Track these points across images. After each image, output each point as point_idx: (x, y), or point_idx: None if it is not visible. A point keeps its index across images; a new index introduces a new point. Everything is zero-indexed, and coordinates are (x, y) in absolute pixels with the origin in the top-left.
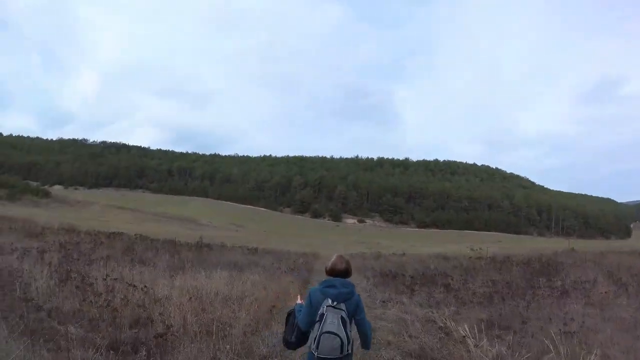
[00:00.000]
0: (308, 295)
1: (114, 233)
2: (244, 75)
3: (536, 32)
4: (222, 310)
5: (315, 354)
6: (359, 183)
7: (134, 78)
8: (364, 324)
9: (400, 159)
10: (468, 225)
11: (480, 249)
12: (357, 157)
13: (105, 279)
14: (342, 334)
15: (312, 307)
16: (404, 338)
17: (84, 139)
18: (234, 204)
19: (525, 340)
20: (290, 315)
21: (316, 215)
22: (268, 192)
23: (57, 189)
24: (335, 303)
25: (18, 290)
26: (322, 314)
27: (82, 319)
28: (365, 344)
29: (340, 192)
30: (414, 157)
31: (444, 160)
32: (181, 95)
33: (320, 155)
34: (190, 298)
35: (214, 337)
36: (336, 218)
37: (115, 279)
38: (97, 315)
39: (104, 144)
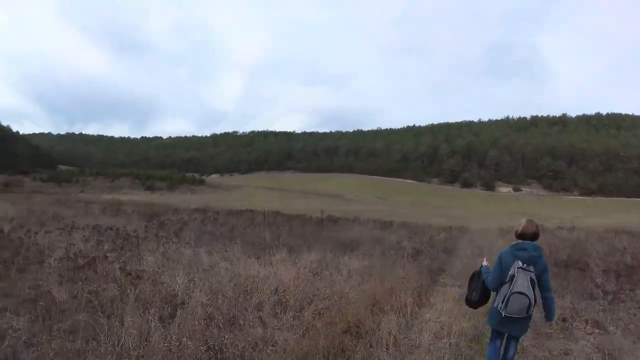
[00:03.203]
0: (498, 257)
1: (243, 211)
2: (383, 49)
3: None
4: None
5: (503, 313)
6: (512, 146)
7: (277, 70)
8: (548, 285)
9: (557, 115)
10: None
11: None
12: (507, 117)
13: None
14: (531, 295)
15: (503, 268)
16: None
17: (235, 131)
18: (380, 177)
19: None
20: (475, 276)
21: (466, 184)
22: (414, 164)
23: (213, 178)
24: (525, 265)
25: None
26: (513, 275)
27: None
28: (550, 313)
29: (491, 157)
30: (572, 113)
31: (608, 114)
32: (323, 79)
33: (467, 120)
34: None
35: None
36: (488, 187)
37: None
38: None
39: (252, 133)
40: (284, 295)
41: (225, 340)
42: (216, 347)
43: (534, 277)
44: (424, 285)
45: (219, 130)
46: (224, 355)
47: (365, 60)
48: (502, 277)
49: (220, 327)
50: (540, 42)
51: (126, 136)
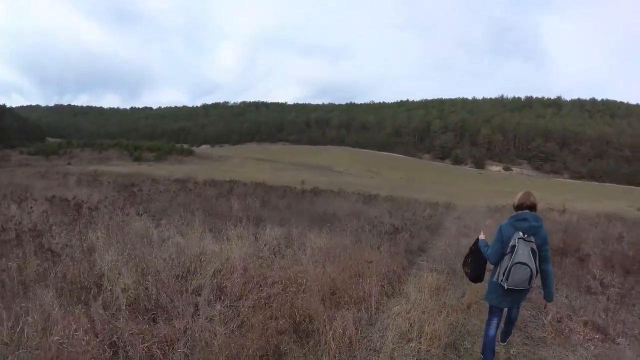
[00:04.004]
0: (499, 229)
1: (226, 181)
2: (382, 23)
3: None
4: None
5: (505, 285)
6: (505, 126)
7: (271, 42)
8: (547, 255)
9: (552, 97)
10: (630, 178)
11: None
12: (502, 97)
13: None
14: (532, 265)
15: (503, 240)
16: None
17: (226, 102)
18: (371, 151)
19: None
20: (472, 251)
21: (457, 161)
22: (406, 138)
23: (203, 148)
24: (526, 235)
25: None
26: (513, 246)
27: None
28: (549, 293)
29: (484, 136)
30: (568, 97)
31: (603, 100)
32: (318, 51)
33: (461, 97)
34: None
35: None
36: (479, 165)
37: None
38: None
39: (244, 103)
40: (225, 278)
41: (131, 335)
42: (119, 344)
43: (535, 248)
44: (398, 270)
45: (212, 101)
46: (128, 353)
47: (363, 33)
48: (503, 249)
49: (138, 317)
50: (541, 24)
51: (116, 107)
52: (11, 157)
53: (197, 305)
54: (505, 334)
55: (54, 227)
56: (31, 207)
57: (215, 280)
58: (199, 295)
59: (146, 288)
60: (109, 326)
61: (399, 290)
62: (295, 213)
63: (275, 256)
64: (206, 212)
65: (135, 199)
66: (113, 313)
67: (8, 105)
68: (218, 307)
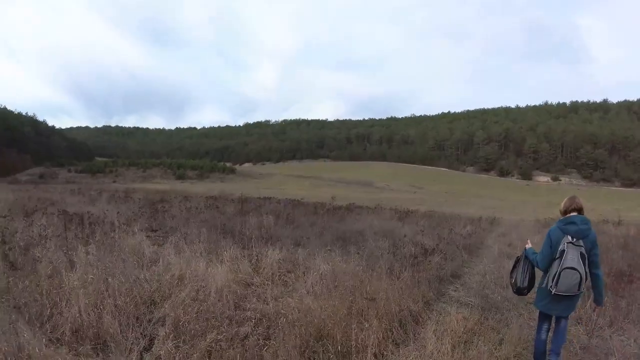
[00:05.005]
0: (547, 234)
1: (260, 198)
2: (415, 32)
3: None
4: None
5: (553, 291)
6: (551, 134)
7: (310, 59)
8: (597, 260)
9: (598, 101)
10: None
11: None
12: (546, 103)
13: None
14: (582, 270)
15: (552, 245)
16: None
17: (267, 120)
18: (413, 165)
19: None
20: (519, 261)
21: (503, 173)
22: (449, 151)
23: (245, 167)
24: (574, 239)
25: None
26: (563, 251)
27: None
28: (599, 295)
29: (529, 145)
30: (614, 98)
31: None
32: (357, 66)
33: (503, 106)
34: None
35: None
36: (526, 176)
37: None
38: None
39: (285, 121)
40: (190, 309)
41: None
42: None
43: (584, 252)
44: (416, 306)
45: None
46: None
47: (398, 44)
48: (553, 254)
49: (80, 346)
50: (581, 24)
51: (161, 127)
52: (59, 174)
53: (152, 340)
54: (554, 353)
55: (46, 241)
56: (32, 221)
57: (179, 310)
58: (163, 325)
59: (99, 314)
60: (41, 354)
61: (414, 334)
62: (318, 231)
63: (273, 283)
64: (218, 230)
65: (156, 215)
66: (57, 337)
67: (59, 127)
68: (168, 344)
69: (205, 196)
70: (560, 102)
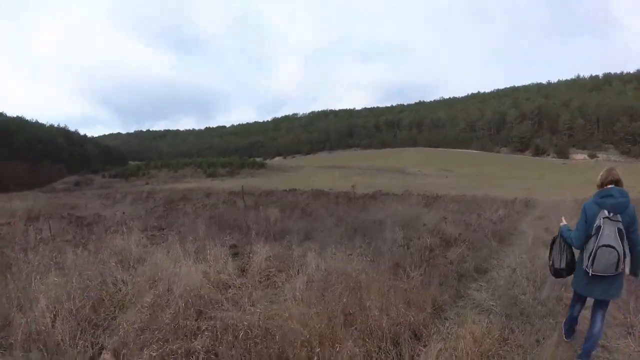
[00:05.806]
0: (582, 209)
1: (284, 191)
2: (438, 16)
3: None
4: None
5: (590, 271)
6: (585, 108)
7: (333, 51)
8: (637, 238)
9: (632, 71)
10: None
11: None
12: (578, 76)
13: None
14: (620, 247)
15: (587, 220)
16: None
17: (295, 114)
18: (445, 149)
19: None
20: (555, 241)
21: (538, 152)
22: (481, 132)
23: (275, 161)
24: (611, 214)
25: None
26: (599, 227)
27: None
28: (637, 268)
29: (564, 122)
30: None
31: None
32: (381, 53)
33: (535, 82)
34: None
35: None
36: (562, 154)
37: None
38: None
39: (312, 113)
40: (142, 319)
41: None
42: None
43: (622, 228)
44: (420, 316)
45: (281, 114)
46: None
47: (421, 29)
48: (588, 230)
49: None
50: None
51: (191, 128)
52: (94, 180)
53: (102, 350)
54: (584, 353)
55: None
56: (30, 225)
57: (135, 317)
58: (118, 335)
59: (53, 320)
60: None
61: (412, 357)
62: (334, 222)
63: (259, 284)
64: (222, 225)
65: (168, 214)
66: (11, 343)
67: (90, 135)
68: (107, 358)
69: (227, 192)
70: (593, 74)
